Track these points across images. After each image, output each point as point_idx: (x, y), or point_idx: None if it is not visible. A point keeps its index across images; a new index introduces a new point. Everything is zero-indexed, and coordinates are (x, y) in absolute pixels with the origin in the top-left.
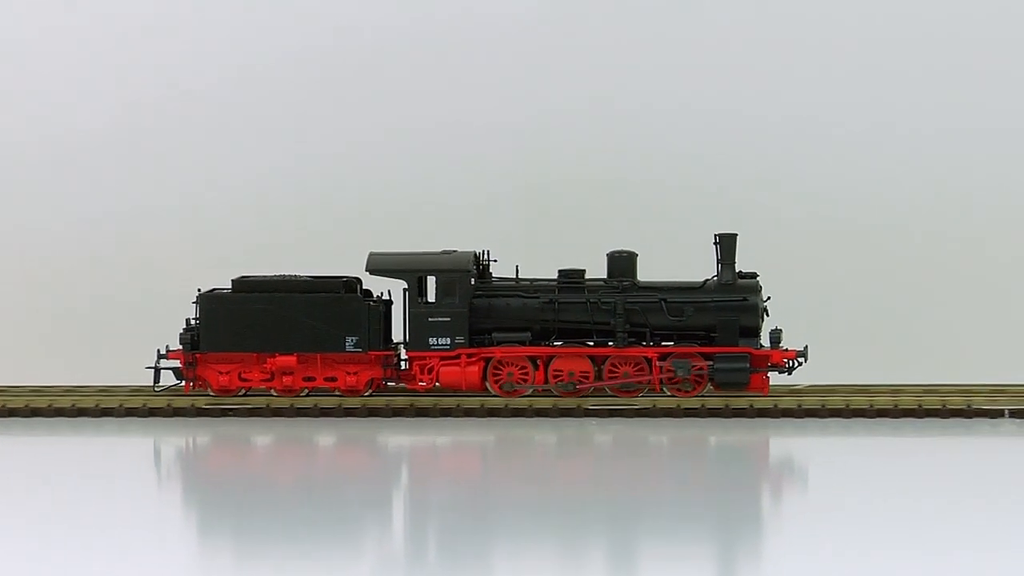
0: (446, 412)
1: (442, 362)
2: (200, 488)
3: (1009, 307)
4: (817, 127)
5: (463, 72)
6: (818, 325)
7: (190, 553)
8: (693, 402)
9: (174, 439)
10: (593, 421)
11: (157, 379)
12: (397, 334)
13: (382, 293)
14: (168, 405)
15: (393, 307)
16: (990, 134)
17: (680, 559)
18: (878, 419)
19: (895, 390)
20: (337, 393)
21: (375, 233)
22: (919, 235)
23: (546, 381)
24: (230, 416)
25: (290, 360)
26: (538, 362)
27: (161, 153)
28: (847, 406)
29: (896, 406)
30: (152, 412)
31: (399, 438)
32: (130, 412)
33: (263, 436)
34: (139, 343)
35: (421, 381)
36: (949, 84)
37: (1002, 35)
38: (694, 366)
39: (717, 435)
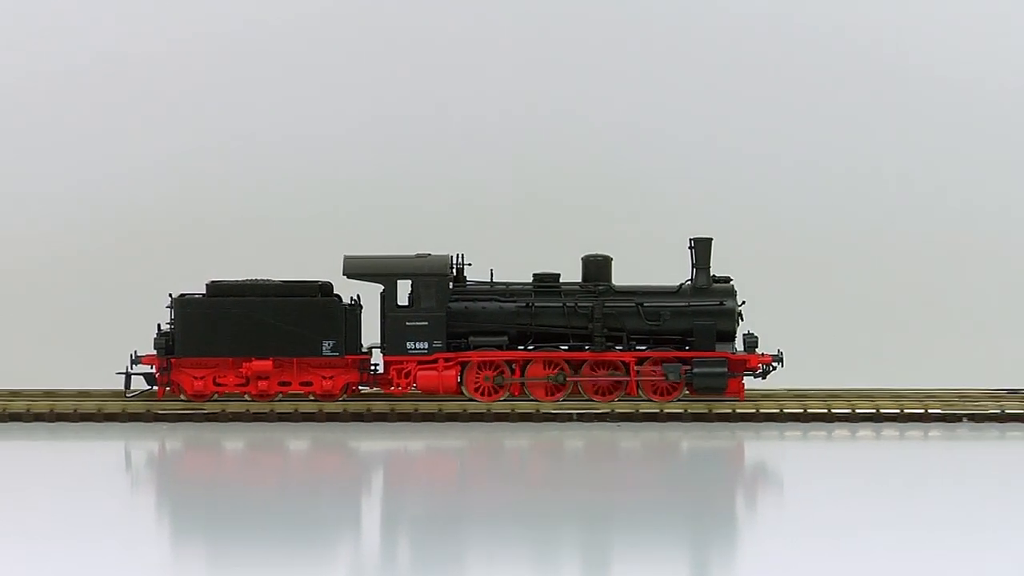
0: (405, 416)
1: (419, 366)
2: (172, 494)
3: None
4: (790, 132)
5: (434, 71)
6: (784, 330)
7: (162, 560)
8: (654, 406)
9: (145, 443)
10: None
11: (128, 384)
12: (367, 338)
13: (352, 297)
14: (132, 410)
15: (362, 311)
16: (961, 144)
17: (654, 562)
18: (838, 423)
19: (863, 395)
20: (312, 398)
21: (336, 237)
22: (888, 240)
23: (522, 385)
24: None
25: (266, 364)
26: (514, 366)
27: (132, 154)
28: (804, 410)
29: (853, 410)
30: (109, 417)
31: (372, 443)
32: (100, 417)
33: (235, 441)
34: (98, 348)
35: (397, 385)
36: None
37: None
38: (684, 370)
39: (687, 439)
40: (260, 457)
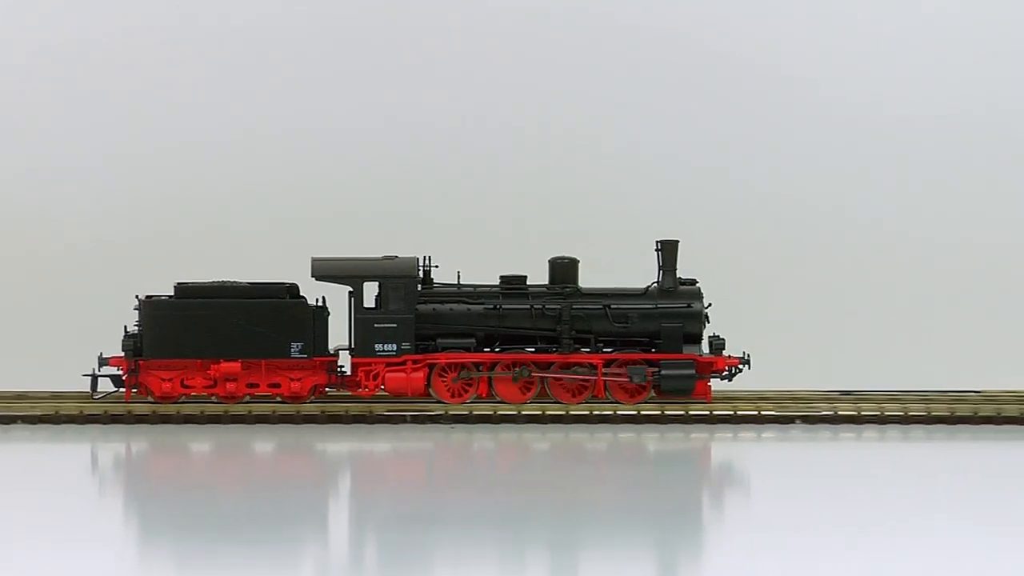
0: (385, 419)
1: (387, 368)
2: (140, 497)
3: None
4: (756, 140)
5: (402, 75)
6: (749, 332)
7: (130, 564)
8: (629, 408)
9: (111, 446)
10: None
11: (95, 386)
12: (333, 340)
13: (317, 299)
14: (105, 412)
15: (329, 314)
16: (939, 146)
17: (621, 562)
18: (819, 425)
19: (826, 397)
20: (279, 399)
21: (303, 239)
22: (853, 242)
23: (490, 388)
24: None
25: (234, 366)
26: (482, 368)
27: (97, 156)
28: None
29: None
30: (91, 419)
31: (339, 445)
32: (67, 419)
33: (201, 443)
34: (64, 350)
35: (365, 387)
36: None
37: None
38: (650, 371)
39: (654, 441)
40: (229, 459)
